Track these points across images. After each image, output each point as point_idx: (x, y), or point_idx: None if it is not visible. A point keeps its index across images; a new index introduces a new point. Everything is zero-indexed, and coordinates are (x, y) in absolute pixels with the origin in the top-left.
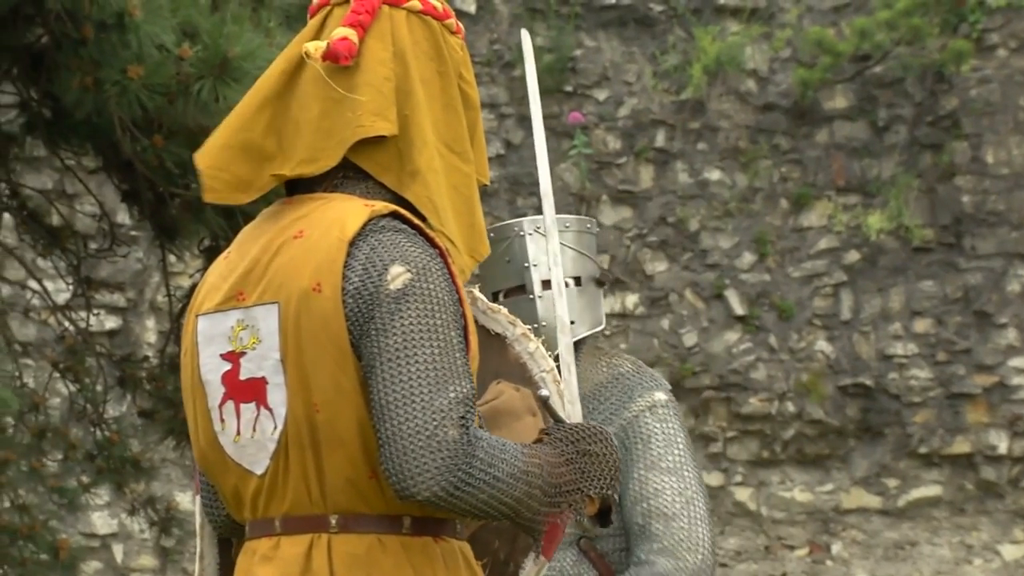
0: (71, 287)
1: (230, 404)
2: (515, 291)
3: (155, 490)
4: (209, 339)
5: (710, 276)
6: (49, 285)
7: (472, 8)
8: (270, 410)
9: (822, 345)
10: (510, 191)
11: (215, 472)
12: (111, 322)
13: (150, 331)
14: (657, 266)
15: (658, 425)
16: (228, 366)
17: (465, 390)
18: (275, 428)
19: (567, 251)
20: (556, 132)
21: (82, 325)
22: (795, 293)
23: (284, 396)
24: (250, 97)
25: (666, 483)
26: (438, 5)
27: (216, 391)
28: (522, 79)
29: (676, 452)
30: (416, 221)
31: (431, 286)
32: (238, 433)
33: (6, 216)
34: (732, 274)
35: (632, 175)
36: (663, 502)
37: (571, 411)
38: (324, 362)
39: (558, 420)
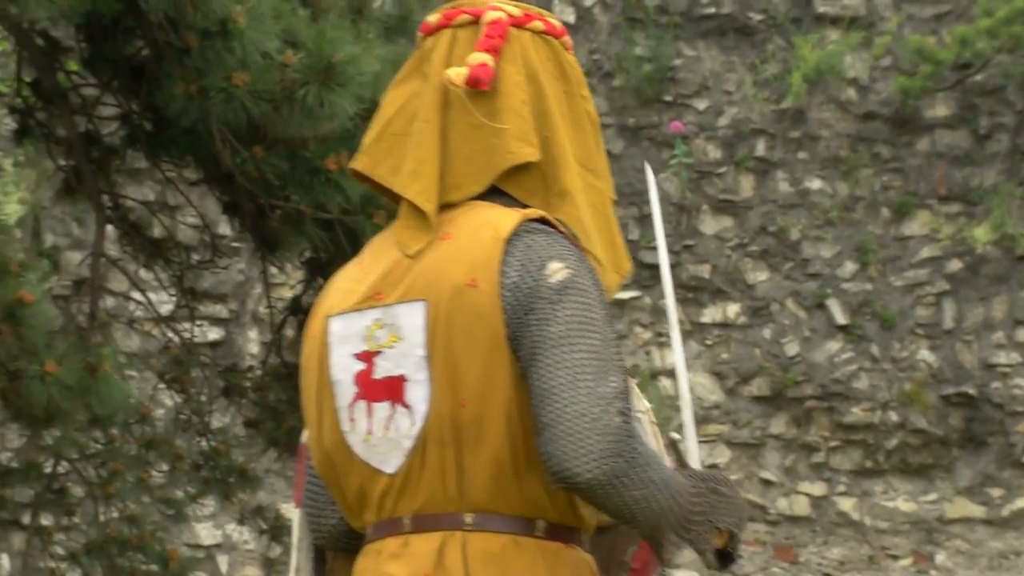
0: (174, 298)
1: (361, 404)
2: None
3: (261, 500)
4: (342, 339)
5: (812, 285)
6: (152, 296)
7: (571, 18)
8: (408, 407)
9: (925, 354)
10: None
11: (339, 473)
12: (214, 333)
13: (252, 342)
14: (758, 275)
15: None
16: (362, 365)
17: (623, 384)
18: (413, 425)
19: None
20: (656, 142)
21: (186, 336)
22: (897, 302)
23: (427, 393)
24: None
25: None
26: (556, 23)
27: (347, 391)
28: (622, 90)
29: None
30: (564, 231)
31: (587, 283)
32: (369, 432)
33: (109, 228)
34: (834, 283)
35: (733, 184)
36: None
37: (693, 458)
38: (476, 356)
39: (684, 465)
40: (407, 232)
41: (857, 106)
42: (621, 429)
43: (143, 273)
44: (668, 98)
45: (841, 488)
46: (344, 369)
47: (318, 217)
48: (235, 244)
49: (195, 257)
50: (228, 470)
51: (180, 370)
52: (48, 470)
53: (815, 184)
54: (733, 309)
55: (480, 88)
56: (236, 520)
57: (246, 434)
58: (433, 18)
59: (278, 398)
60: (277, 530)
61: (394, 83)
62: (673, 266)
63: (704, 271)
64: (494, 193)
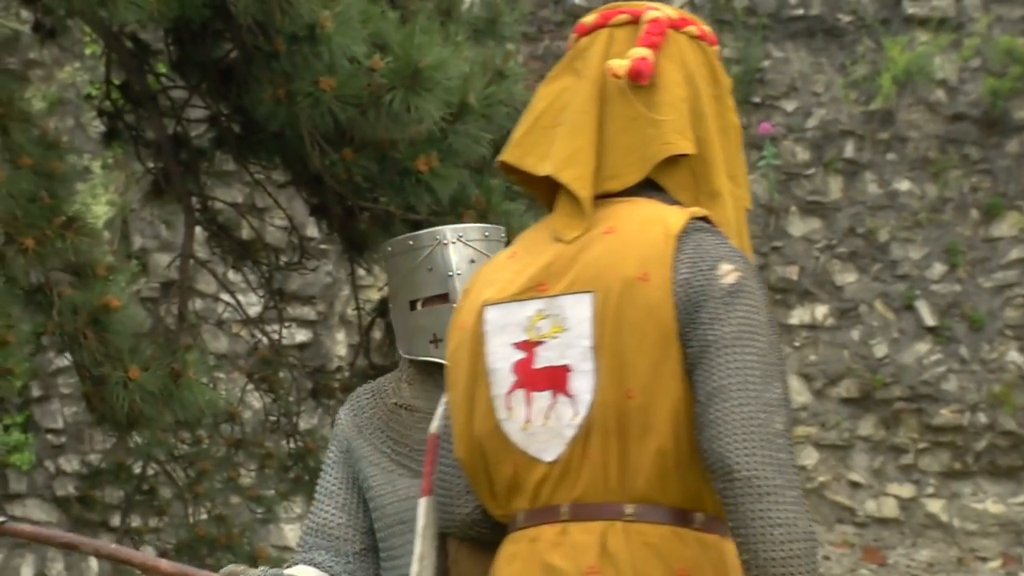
0: (263, 300)
1: (520, 392)
2: (434, 300)
3: None
4: (500, 328)
5: (900, 287)
6: (241, 298)
7: None
8: (570, 396)
9: (1014, 356)
10: None
11: (489, 461)
12: (302, 335)
13: (340, 344)
14: (847, 277)
15: None
16: (521, 355)
17: (784, 392)
18: (576, 414)
19: (485, 259)
20: (745, 144)
21: (274, 337)
22: (986, 303)
23: (591, 383)
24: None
25: None
26: (708, 31)
27: (504, 379)
28: None
29: None
30: (720, 230)
31: (755, 286)
32: (528, 421)
33: (198, 230)
34: (922, 285)
35: (821, 186)
36: None
37: None
38: (645, 348)
39: None
40: (563, 220)
41: (946, 107)
42: (783, 437)
43: (232, 275)
44: (757, 100)
45: (930, 490)
46: (502, 358)
47: (407, 218)
48: (323, 246)
49: (283, 259)
50: (316, 471)
51: (268, 371)
52: (137, 471)
53: (904, 185)
54: (821, 311)
55: (640, 81)
56: None
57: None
58: (589, 19)
59: None
60: None
61: (546, 80)
62: (761, 267)
63: (792, 273)
64: (646, 188)
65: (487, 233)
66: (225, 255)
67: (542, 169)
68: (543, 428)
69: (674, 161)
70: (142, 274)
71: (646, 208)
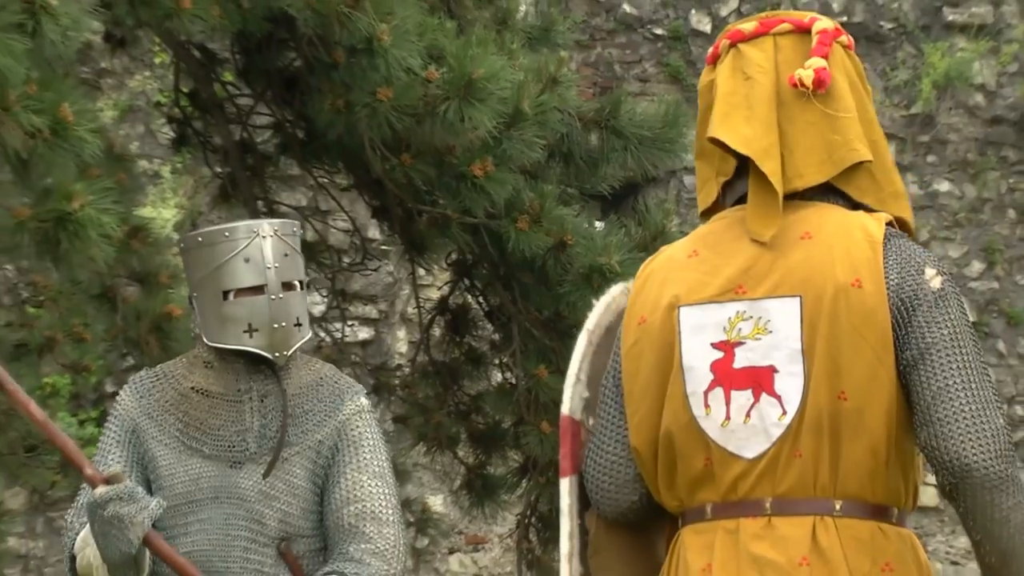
0: (326, 299)
1: (718, 391)
2: (248, 291)
3: (408, 493)
4: (698, 328)
5: None
6: None
7: (707, 27)
8: (777, 397)
9: None
10: None
11: (679, 454)
12: (364, 333)
13: (401, 341)
14: None
15: (367, 430)
16: (719, 355)
17: (994, 387)
18: (784, 414)
19: (296, 255)
20: None
21: (337, 336)
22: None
23: (800, 384)
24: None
25: (377, 487)
26: (852, 40)
27: (702, 378)
28: None
29: (381, 457)
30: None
31: (957, 290)
32: (727, 418)
33: None
34: (961, 282)
35: None
36: (376, 506)
37: None
38: (862, 351)
39: None
40: (757, 219)
41: (985, 111)
42: (1005, 430)
43: None
44: None
45: None
46: (698, 357)
47: (464, 221)
48: (384, 247)
49: (346, 260)
50: None
51: None
52: None
53: (944, 186)
54: None
55: (820, 90)
56: None
57: (395, 430)
58: (748, 26)
59: (426, 395)
60: (423, 522)
61: (720, 75)
62: None
63: None
64: (821, 191)
65: (295, 229)
66: None
67: (740, 149)
68: (743, 426)
69: (855, 166)
70: None
71: (835, 214)
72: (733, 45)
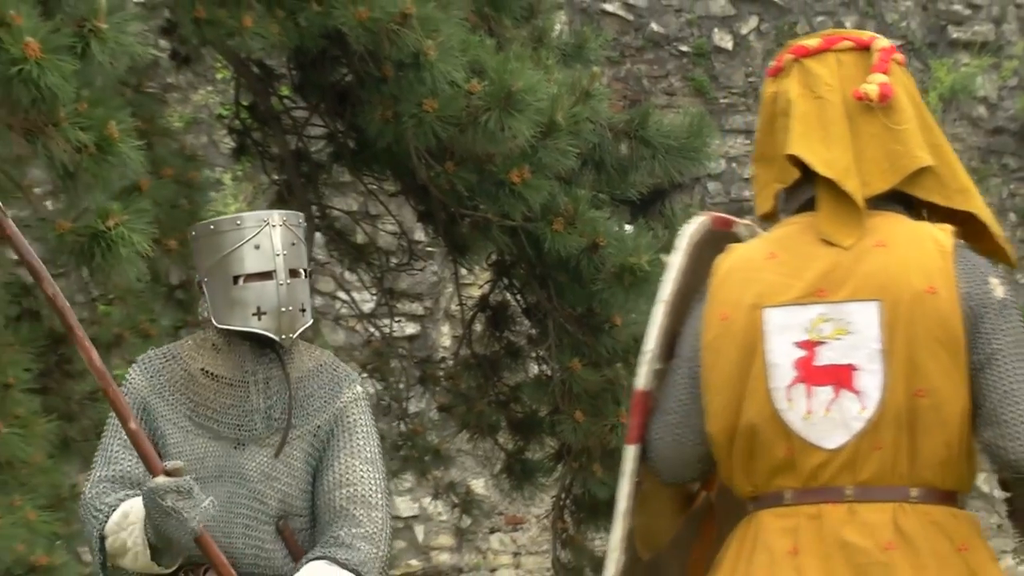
0: (375, 297)
1: (800, 386)
2: (258, 276)
3: (452, 477)
4: (783, 328)
5: None
6: (356, 296)
7: (729, 44)
8: (857, 393)
9: None
10: None
11: (760, 443)
12: (410, 328)
13: (445, 336)
14: None
15: (361, 417)
16: (802, 353)
17: None
18: (864, 409)
19: (301, 245)
20: None
21: (386, 331)
22: (1022, 302)
23: (880, 382)
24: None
25: (368, 472)
26: (904, 57)
27: (785, 374)
28: None
29: (373, 444)
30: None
31: (1015, 297)
32: (809, 412)
33: (317, 235)
34: None
35: None
36: (367, 490)
37: None
38: (938, 355)
39: None
40: (834, 225)
41: (987, 122)
42: None
43: (348, 275)
44: None
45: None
46: (783, 355)
47: (503, 224)
48: (429, 249)
49: (393, 260)
50: (424, 450)
51: (380, 361)
52: None
53: None
54: None
55: (883, 104)
56: (431, 494)
57: (439, 418)
58: (812, 43)
59: (468, 385)
60: (467, 504)
61: (790, 90)
62: None
63: None
64: (887, 199)
65: (301, 220)
66: (342, 257)
67: (823, 169)
68: (824, 419)
69: (918, 171)
70: None
71: (904, 224)
72: (797, 60)
